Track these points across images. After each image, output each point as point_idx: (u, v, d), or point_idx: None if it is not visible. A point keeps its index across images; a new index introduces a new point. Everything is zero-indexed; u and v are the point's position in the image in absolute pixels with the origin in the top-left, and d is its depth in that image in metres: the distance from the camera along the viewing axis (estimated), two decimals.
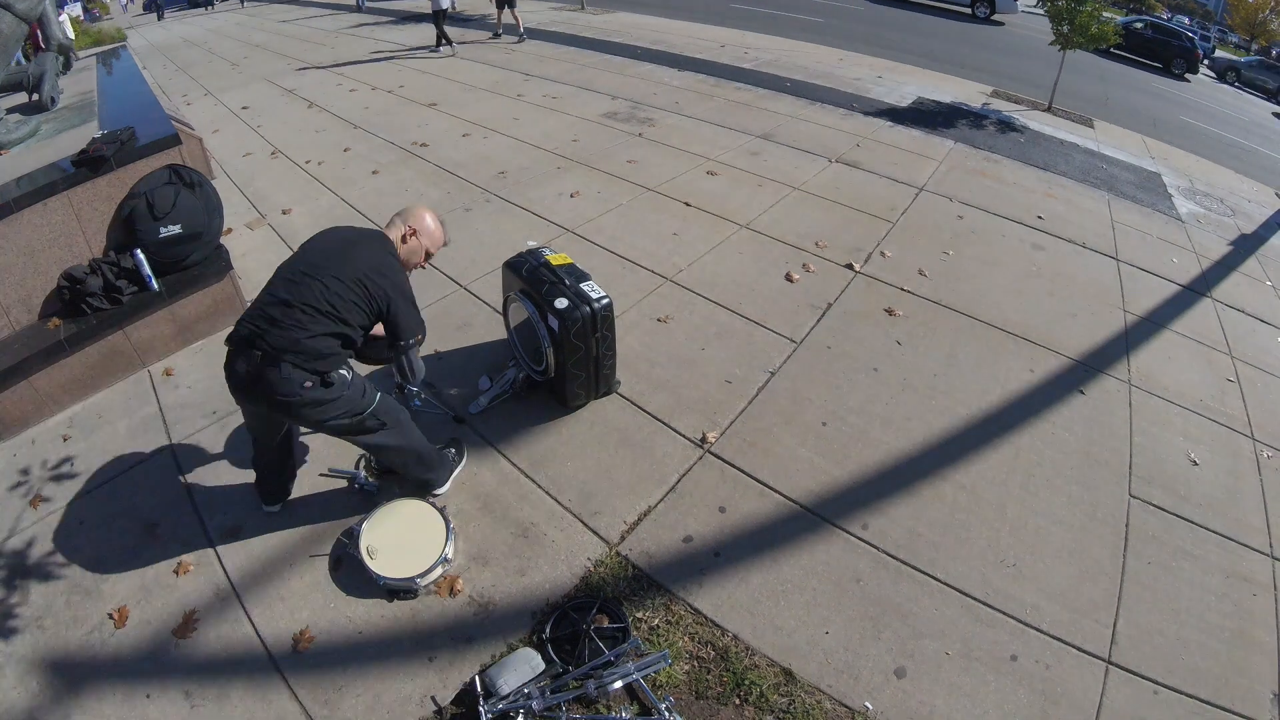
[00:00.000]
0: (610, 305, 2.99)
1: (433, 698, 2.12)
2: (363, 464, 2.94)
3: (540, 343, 3.05)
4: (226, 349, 2.16)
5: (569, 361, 3.00)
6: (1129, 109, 11.84)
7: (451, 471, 2.84)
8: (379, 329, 2.35)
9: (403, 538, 2.51)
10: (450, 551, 2.51)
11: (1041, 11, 9.87)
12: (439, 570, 2.46)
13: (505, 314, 3.41)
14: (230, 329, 2.21)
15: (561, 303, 2.90)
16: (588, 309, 2.91)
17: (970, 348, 3.92)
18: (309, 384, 2.07)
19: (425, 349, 3.67)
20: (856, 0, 19.38)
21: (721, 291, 4.24)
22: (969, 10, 19.33)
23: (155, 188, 3.56)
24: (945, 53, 13.47)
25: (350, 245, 2.29)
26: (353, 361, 2.32)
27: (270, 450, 2.55)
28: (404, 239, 2.45)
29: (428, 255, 2.55)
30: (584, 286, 3.00)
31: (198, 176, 3.76)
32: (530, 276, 3.08)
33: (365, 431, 2.32)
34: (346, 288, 2.15)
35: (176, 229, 3.54)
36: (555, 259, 3.17)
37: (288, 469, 2.71)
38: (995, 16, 19.21)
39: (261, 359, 2.05)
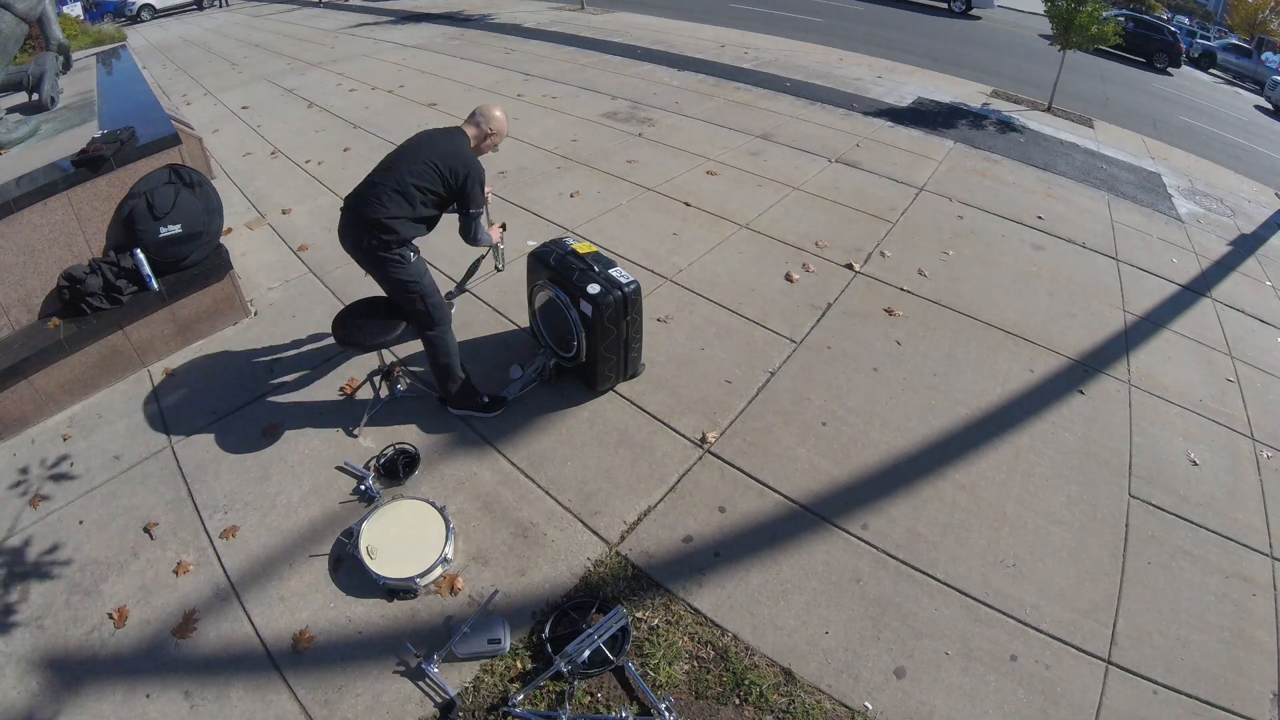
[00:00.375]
0: (639, 288, 3.08)
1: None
2: (372, 464, 2.95)
3: (570, 328, 3.11)
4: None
5: (601, 345, 3.09)
6: (1129, 109, 11.84)
7: (474, 410, 3.19)
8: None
9: (402, 537, 2.51)
10: (450, 551, 2.51)
11: (1020, 8, 9.89)
12: (438, 570, 2.46)
13: (531, 303, 3.44)
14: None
15: (594, 288, 2.97)
16: (619, 293, 3.00)
17: (970, 348, 3.92)
18: (375, 243, 2.74)
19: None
20: (856, 0, 19.38)
21: (721, 291, 4.25)
22: (945, 4, 19.36)
23: (155, 187, 3.56)
24: (945, 52, 13.47)
25: (430, 141, 2.87)
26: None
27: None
28: (484, 135, 2.96)
29: (495, 146, 3.05)
30: (612, 272, 3.09)
31: (198, 176, 3.76)
32: (559, 265, 3.15)
33: (411, 303, 2.88)
34: (422, 171, 2.74)
35: (176, 229, 3.54)
36: (581, 247, 3.25)
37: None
38: (973, 11, 19.28)
39: (351, 219, 2.85)
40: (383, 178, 2.77)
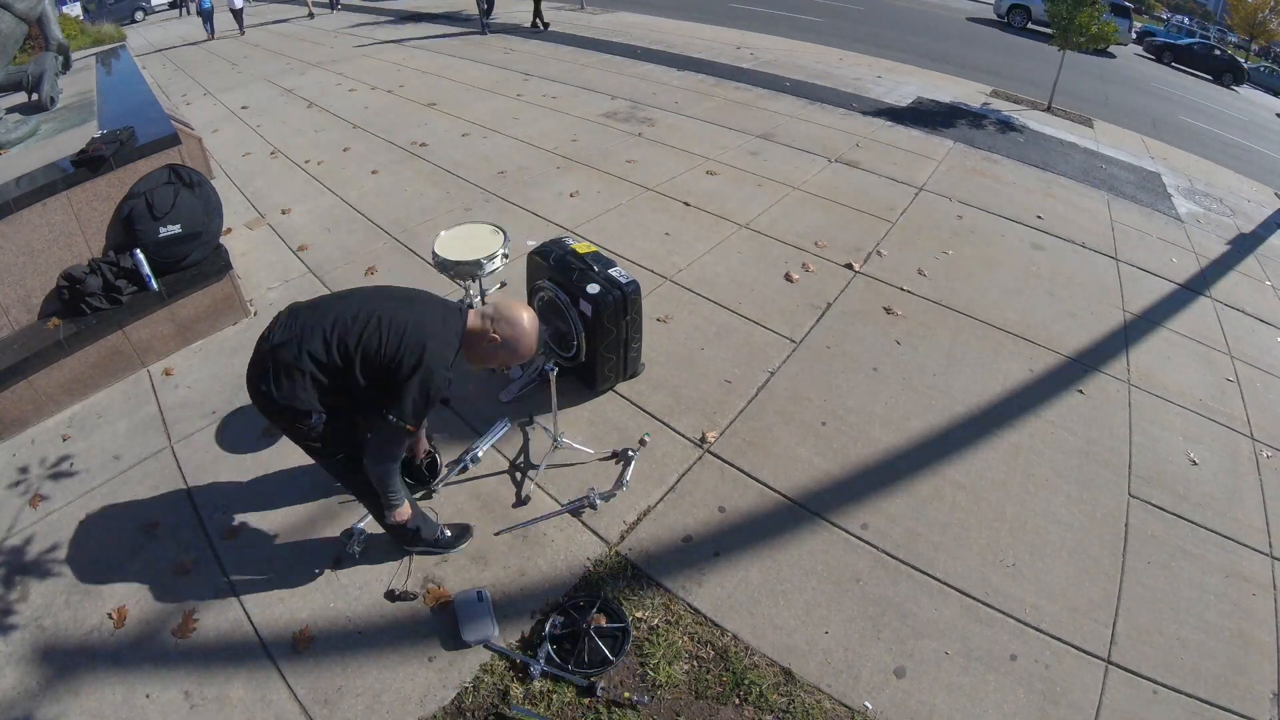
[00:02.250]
0: (638, 287, 3.08)
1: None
2: None
3: (570, 328, 3.11)
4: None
5: (600, 345, 3.09)
6: (1129, 108, 11.84)
7: (436, 545, 2.54)
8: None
9: None
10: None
11: None
12: None
13: (530, 303, 3.44)
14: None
15: (594, 288, 2.97)
16: (618, 292, 3.00)
17: (970, 347, 3.92)
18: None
19: None
20: (856, 0, 19.38)
21: (721, 291, 4.25)
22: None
23: (155, 188, 3.56)
24: (944, 52, 13.47)
25: (409, 301, 2.03)
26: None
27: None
28: (487, 336, 2.01)
29: (505, 365, 2.19)
30: (612, 272, 3.09)
31: (197, 176, 3.76)
32: (559, 264, 3.15)
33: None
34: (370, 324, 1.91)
35: (176, 229, 3.54)
36: (580, 247, 3.25)
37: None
38: None
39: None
40: (322, 316, 1.95)
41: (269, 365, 1.91)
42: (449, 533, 2.56)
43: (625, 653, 2.25)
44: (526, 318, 2.01)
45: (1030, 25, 19.26)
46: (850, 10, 17.97)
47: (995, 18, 20.16)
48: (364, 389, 1.94)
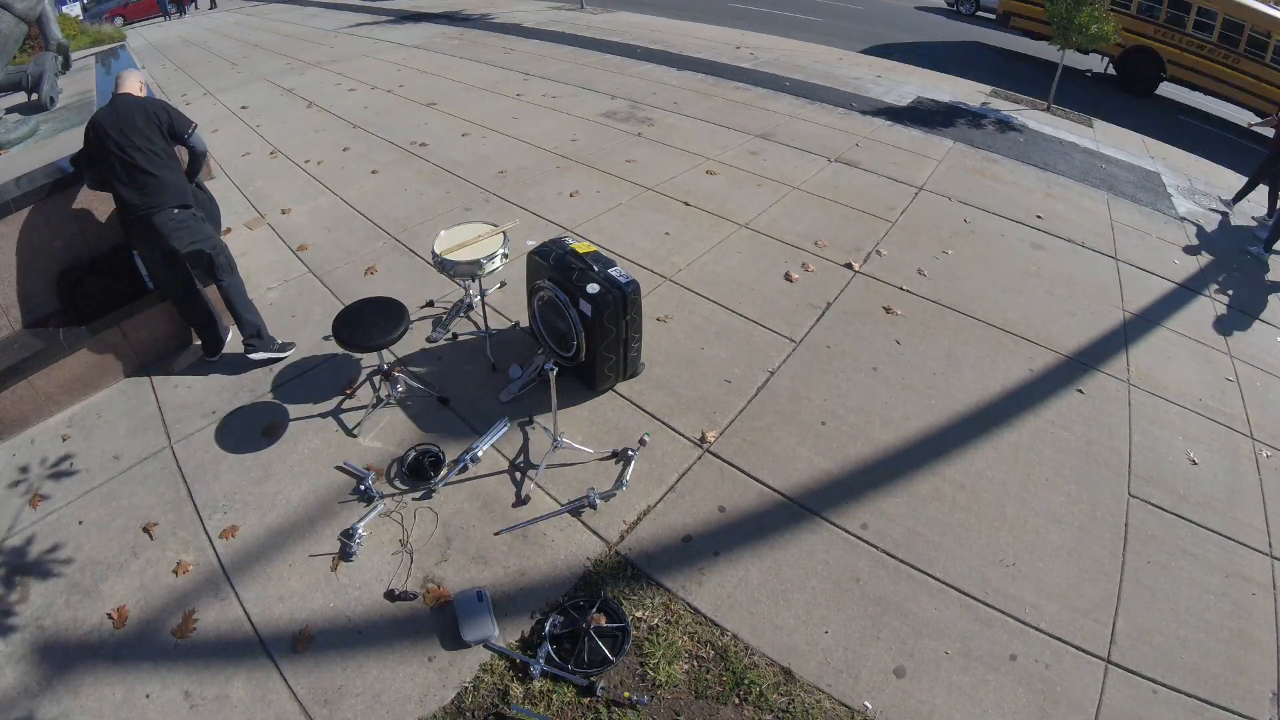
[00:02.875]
0: (638, 287, 3.09)
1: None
2: (394, 467, 2.96)
3: (569, 328, 3.11)
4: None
5: (600, 345, 3.09)
6: (1128, 108, 11.83)
7: (266, 349, 3.51)
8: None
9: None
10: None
11: None
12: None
13: (530, 303, 3.44)
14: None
15: (594, 288, 2.97)
16: (618, 292, 3.00)
17: (969, 347, 3.92)
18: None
19: (429, 344, 3.69)
20: (856, 0, 19.37)
21: (721, 291, 4.25)
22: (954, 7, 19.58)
23: None
24: (944, 52, 13.46)
25: (123, 115, 3.09)
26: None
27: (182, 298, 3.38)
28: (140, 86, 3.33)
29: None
30: (611, 272, 3.10)
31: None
32: (558, 264, 3.15)
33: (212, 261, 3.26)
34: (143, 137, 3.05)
35: None
36: (580, 247, 3.25)
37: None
38: None
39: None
40: (135, 172, 3.04)
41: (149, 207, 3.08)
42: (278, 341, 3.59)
43: (625, 652, 2.25)
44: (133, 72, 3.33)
45: (979, 13, 19.23)
46: (850, 10, 17.96)
47: (945, 5, 19.98)
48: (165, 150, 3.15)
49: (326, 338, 3.74)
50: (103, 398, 3.42)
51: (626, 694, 2.13)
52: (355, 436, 3.12)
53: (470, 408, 3.28)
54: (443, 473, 2.88)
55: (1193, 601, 2.64)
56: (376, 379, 3.26)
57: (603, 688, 2.14)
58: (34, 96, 4.47)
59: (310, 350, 3.69)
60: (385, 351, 3.17)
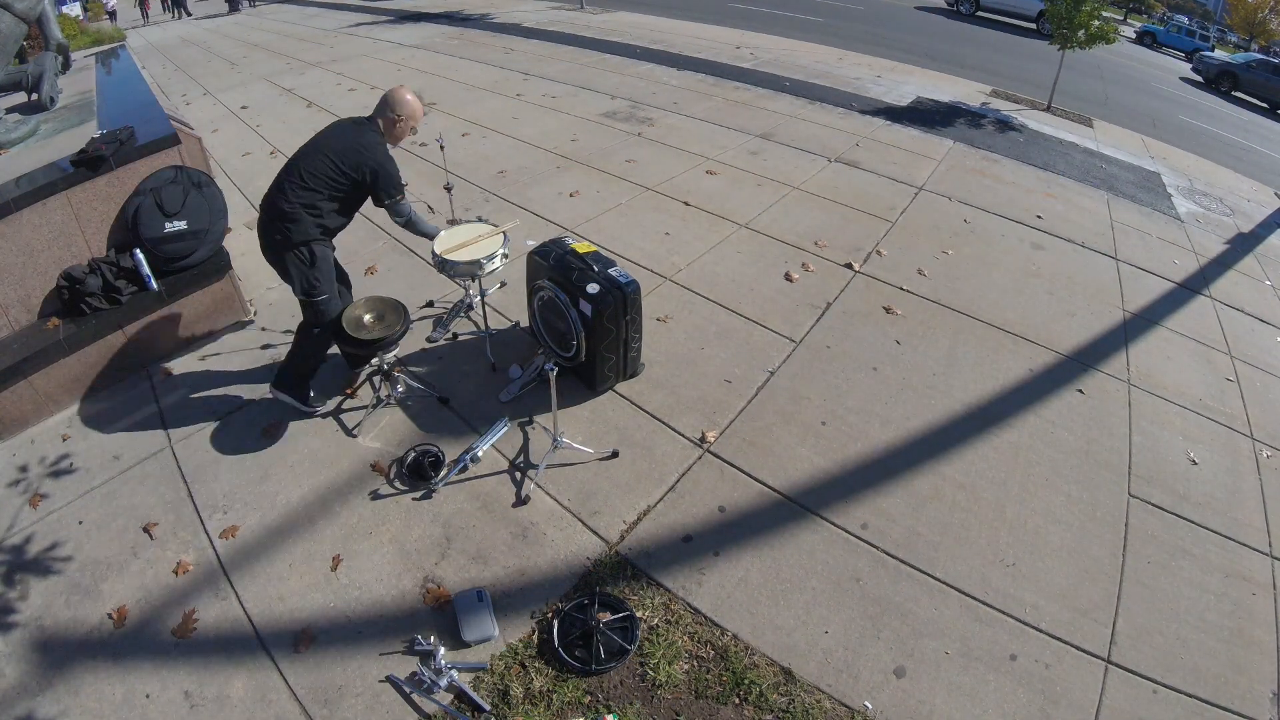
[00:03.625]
0: (638, 287, 3.09)
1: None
2: (393, 468, 2.96)
3: (569, 328, 3.11)
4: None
5: (600, 345, 3.09)
6: (1128, 108, 11.84)
7: (293, 399, 3.15)
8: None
9: None
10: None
11: None
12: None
13: (530, 303, 3.44)
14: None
15: (594, 288, 2.97)
16: (618, 292, 3.00)
17: (969, 347, 3.92)
18: (279, 238, 2.78)
19: (429, 344, 3.69)
20: (856, 0, 19.39)
21: (721, 291, 4.25)
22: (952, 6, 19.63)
23: (162, 186, 3.58)
24: (944, 52, 13.48)
25: (337, 134, 2.87)
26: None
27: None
28: (392, 124, 2.95)
29: (413, 129, 3.04)
30: (611, 272, 3.10)
31: (204, 178, 3.77)
32: (558, 264, 3.15)
33: (306, 297, 2.90)
34: (320, 167, 2.74)
35: (182, 225, 3.57)
36: (580, 247, 3.25)
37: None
38: None
39: (263, 219, 2.83)
40: (286, 175, 2.78)
41: (271, 217, 2.77)
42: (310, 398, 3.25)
43: (638, 638, 2.27)
44: (411, 97, 2.94)
45: (979, 13, 19.26)
46: (850, 10, 17.97)
47: (945, 5, 20.20)
48: (346, 204, 2.88)
49: None
50: (102, 398, 3.42)
51: None
52: (355, 437, 3.12)
53: (470, 408, 3.28)
54: (442, 473, 2.88)
55: (1193, 601, 2.64)
56: (377, 379, 3.26)
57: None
58: (34, 96, 4.46)
59: None
60: (389, 355, 3.17)
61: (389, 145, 2.93)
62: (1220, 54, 20.21)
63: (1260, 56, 19.11)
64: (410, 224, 3.00)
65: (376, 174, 2.80)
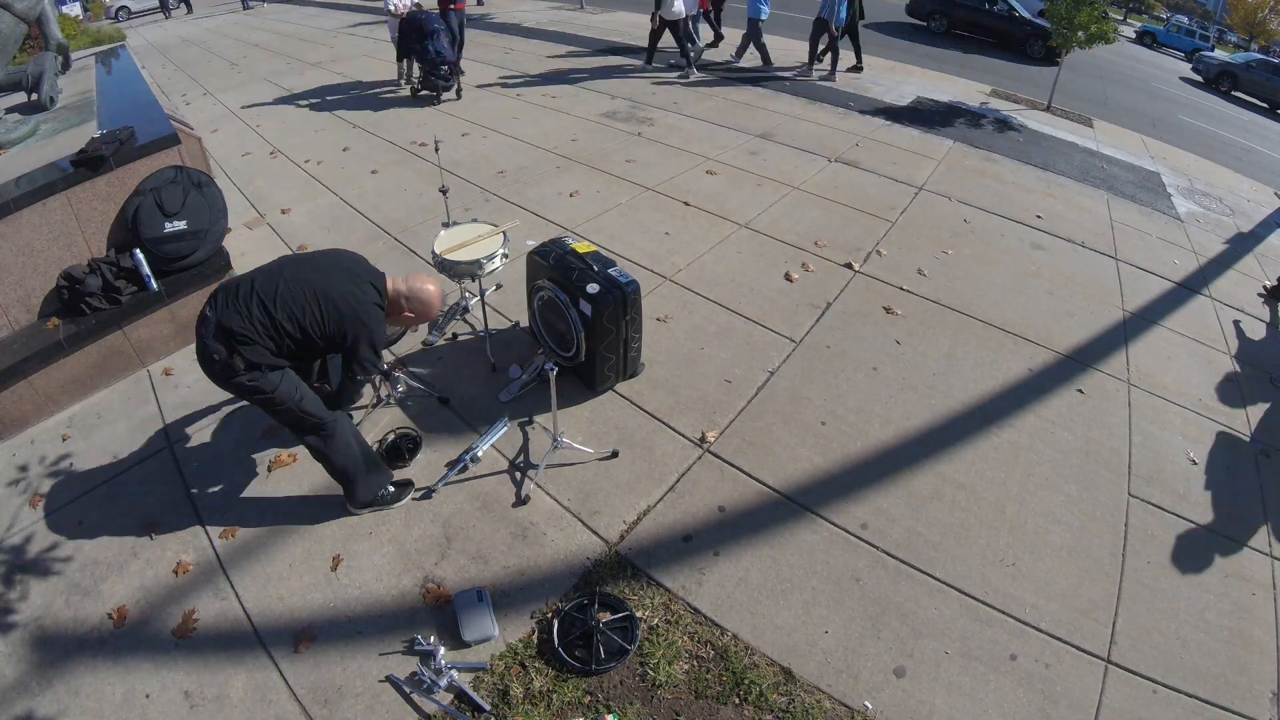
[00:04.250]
0: (638, 287, 3.09)
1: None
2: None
3: (569, 328, 3.11)
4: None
5: (600, 345, 3.09)
6: (1128, 108, 11.84)
7: (375, 503, 2.72)
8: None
9: None
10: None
11: None
12: None
13: (530, 303, 3.44)
14: None
15: (594, 288, 2.97)
16: (618, 292, 3.00)
17: (969, 347, 3.92)
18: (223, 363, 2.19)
19: (429, 344, 3.68)
20: None
21: (721, 291, 4.25)
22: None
23: (163, 185, 3.59)
24: (943, 52, 13.47)
25: (337, 270, 2.35)
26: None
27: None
28: (402, 311, 2.47)
29: (416, 322, 2.58)
30: (611, 271, 3.09)
31: (204, 178, 3.77)
32: (558, 264, 3.15)
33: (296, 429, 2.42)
34: (303, 304, 2.22)
35: (182, 225, 3.57)
36: (580, 247, 3.25)
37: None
38: None
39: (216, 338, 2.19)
40: (262, 287, 2.22)
41: (221, 341, 2.17)
42: (391, 489, 2.77)
43: (638, 638, 2.27)
44: (434, 291, 2.49)
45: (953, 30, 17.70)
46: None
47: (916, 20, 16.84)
48: (316, 349, 2.32)
49: None
50: (102, 398, 3.42)
51: None
52: None
53: (470, 408, 3.28)
54: (443, 473, 2.89)
55: (1192, 601, 2.64)
56: (377, 379, 3.26)
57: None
58: (34, 96, 4.46)
59: None
60: (385, 351, 3.17)
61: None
62: (1220, 54, 20.17)
63: (1260, 56, 19.10)
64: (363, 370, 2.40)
65: (357, 343, 2.28)
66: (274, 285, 2.23)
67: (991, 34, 15.16)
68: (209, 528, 2.70)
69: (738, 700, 2.16)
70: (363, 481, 2.61)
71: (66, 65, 5.19)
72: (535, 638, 2.31)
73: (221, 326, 2.16)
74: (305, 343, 2.25)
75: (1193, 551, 2.86)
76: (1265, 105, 16.57)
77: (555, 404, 2.80)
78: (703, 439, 3.13)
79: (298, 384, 2.34)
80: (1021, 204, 6.00)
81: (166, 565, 2.55)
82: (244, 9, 18.19)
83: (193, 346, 3.69)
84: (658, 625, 2.36)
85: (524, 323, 3.83)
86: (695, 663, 2.26)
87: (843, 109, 8.31)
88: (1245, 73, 17.18)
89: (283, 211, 5.31)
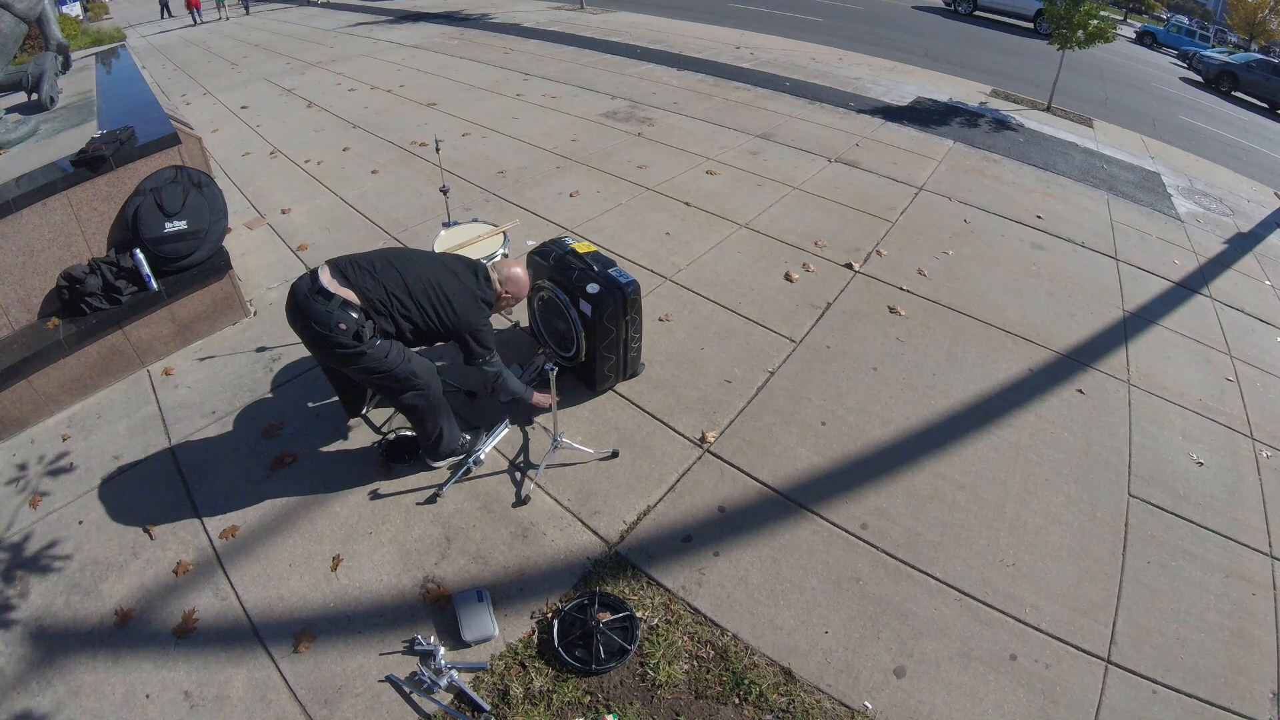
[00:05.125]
0: (638, 287, 3.08)
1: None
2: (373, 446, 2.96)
3: (570, 328, 3.11)
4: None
5: (600, 345, 3.09)
6: (1128, 108, 11.84)
7: (455, 452, 2.94)
8: None
9: None
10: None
11: None
12: None
13: (530, 303, 3.44)
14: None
15: (594, 288, 2.97)
16: (618, 292, 2.99)
17: (969, 347, 3.92)
18: (344, 326, 2.35)
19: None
20: (856, 0, 19.39)
21: (721, 291, 4.25)
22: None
23: (163, 185, 3.59)
24: (944, 52, 13.48)
25: (451, 270, 2.62)
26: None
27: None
28: (503, 296, 2.78)
29: (514, 301, 2.86)
30: (611, 271, 3.09)
31: (204, 178, 3.77)
32: (558, 264, 3.14)
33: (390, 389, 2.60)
34: (422, 291, 2.50)
35: (182, 225, 3.57)
36: (580, 247, 3.25)
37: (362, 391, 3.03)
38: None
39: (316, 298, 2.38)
40: (394, 273, 2.49)
41: (352, 310, 2.38)
42: (466, 437, 2.97)
43: (638, 638, 2.27)
44: (522, 272, 2.80)
45: (976, 12, 19.29)
46: (850, 10, 17.96)
47: (942, 4, 20.27)
48: (429, 335, 2.58)
49: None
50: (102, 398, 3.42)
51: None
52: (352, 435, 3.12)
53: (471, 408, 3.28)
54: (445, 476, 2.89)
55: (1193, 602, 2.64)
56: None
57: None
58: (34, 96, 4.46)
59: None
60: None
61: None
62: (1217, 54, 20.14)
63: (1260, 56, 19.11)
64: (505, 392, 2.81)
65: (476, 334, 2.59)
66: (403, 273, 2.49)
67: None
68: (209, 527, 2.69)
69: (738, 700, 2.16)
70: (447, 433, 2.82)
71: (66, 65, 5.19)
72: (535, 638, 2.31)
73: (364, 295, 2.40)
74: (424, 329, 2.53)
75: (1193, 552, 2.86)
76: (1265, 105, 16.59)
77: (555, 404, 2.80)
78: (703, 439, 3.13)
79: (403, 348, 2.54)
80: (1022, 204, 6.00)
81: (166, 565, 2.55)
82: (245, 12, 18.22)
83: (193, 347, 3.73)
84: (658, 625, 2.36)
85: (524, 323, 3.83)
86: (695, 663, 2.26)
87: (843, 109, 8.31)
88: (1245, 73, 17.19)
89: (283, 211, 5.31)
